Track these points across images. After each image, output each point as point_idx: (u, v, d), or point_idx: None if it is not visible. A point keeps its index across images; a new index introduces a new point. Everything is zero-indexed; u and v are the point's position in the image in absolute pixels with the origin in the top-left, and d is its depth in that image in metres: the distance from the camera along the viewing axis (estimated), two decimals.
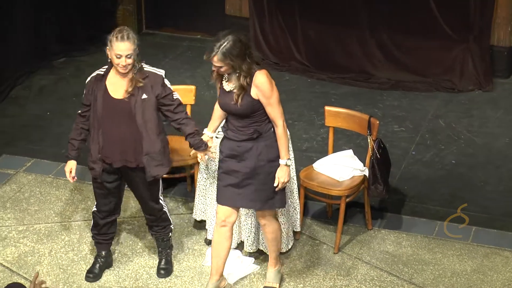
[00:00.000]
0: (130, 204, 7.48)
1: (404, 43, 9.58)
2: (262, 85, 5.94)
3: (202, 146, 6.29)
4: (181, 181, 7.77)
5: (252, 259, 6.86)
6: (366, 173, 6.93)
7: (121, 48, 6.01)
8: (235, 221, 6.37)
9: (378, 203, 7.48)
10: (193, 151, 6.38)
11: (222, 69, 5.96)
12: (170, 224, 6.66)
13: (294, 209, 6.98)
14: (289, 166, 6.13)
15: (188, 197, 7.56)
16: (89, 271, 6.67)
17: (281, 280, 6.61)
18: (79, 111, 6.34)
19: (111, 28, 10.45)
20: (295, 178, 6.95)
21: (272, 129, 6.09)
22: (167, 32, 10.81)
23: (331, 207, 7.36)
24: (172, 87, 6.29)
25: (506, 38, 9.39)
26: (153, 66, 6.27)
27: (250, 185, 6.14)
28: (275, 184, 6.10)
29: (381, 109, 9.08)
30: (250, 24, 10.04)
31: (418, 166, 8.14)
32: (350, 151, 7.20)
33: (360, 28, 9.65)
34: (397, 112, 9.05)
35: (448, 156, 8.29)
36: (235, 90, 5.98)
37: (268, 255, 6.63)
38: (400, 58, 9.64)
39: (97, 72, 6.27)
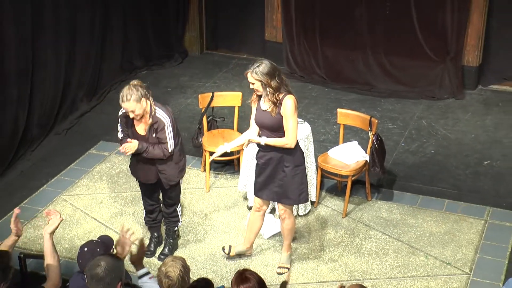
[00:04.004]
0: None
1: (397, 62, 9.52)
2: (287, 104, 5.57)
3: (142, 149, 5.88)
4: (230, 163, 7.80)
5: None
6: (367, 158, 6.94)
7: (125, 107, 5.76)
8: (267, 209, 6.20)
9: (376, 181, 7.49)
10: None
11: (255, 86, 5.60)
12: (179, 220, 6.41)
13: (313, 185, 6.99)
14: (263, 144, 5.72)
15: (236, 174, 7.60)
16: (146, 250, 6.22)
17: (291, 262, 6.36)
18: (120, 137, 6.10)
19: (180, 49, 10.55)
20: (314, 161, 6.99)
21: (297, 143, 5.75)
22: (221, 52, 10.79)
23: (340, 183, 7.37)
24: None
25: (474, 60, 9.31)
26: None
27: (280, 185, 5.85)
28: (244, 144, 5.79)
29: (379, 112, 9.04)
30: (283, 47, 10.03)
31: (406, 154, 8.11)
32: (356, 142, 7.21)
33: (365, 50, 9.60)
34: (391, 114, 9.01)
35: (428, 147, 8.26)
36: (269, 108, 5.63)
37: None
38: (395, 73, 9.58)
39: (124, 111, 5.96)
